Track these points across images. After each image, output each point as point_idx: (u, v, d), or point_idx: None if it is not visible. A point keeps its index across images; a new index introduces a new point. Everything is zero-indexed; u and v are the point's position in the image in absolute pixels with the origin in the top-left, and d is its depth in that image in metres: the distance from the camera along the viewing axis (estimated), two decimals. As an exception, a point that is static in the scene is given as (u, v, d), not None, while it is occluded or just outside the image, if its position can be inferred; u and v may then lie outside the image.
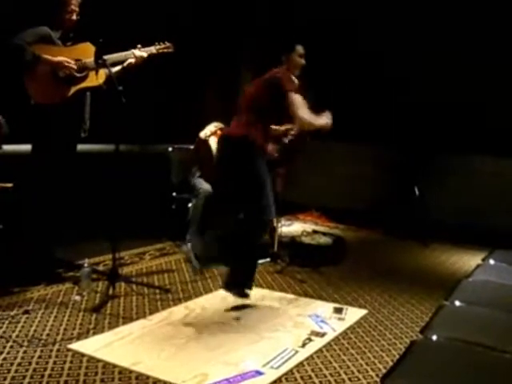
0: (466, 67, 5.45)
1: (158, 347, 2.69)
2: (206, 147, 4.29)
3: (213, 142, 4.27)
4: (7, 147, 3.79)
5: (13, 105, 3.39)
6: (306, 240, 4.60)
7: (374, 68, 5.82)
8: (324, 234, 4.92)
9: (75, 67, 3.44)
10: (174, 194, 4.70)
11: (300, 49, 3.47)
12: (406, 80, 5.60)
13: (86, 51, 3.48)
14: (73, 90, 3.47)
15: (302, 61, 3.47)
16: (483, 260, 3.45)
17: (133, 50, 3.64)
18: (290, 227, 5.45)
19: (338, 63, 5.86)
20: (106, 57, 3.40)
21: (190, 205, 4.42)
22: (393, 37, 5.67)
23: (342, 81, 5.85)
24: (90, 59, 3.46)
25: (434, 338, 1.98)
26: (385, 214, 5.78)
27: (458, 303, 2.40)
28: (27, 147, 3.63)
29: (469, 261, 4.65)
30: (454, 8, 5.46)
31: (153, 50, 3.69)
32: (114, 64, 3.61)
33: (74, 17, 3.51)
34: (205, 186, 4.37)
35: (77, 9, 3.52)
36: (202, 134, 4.38)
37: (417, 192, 5.56)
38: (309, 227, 5.49)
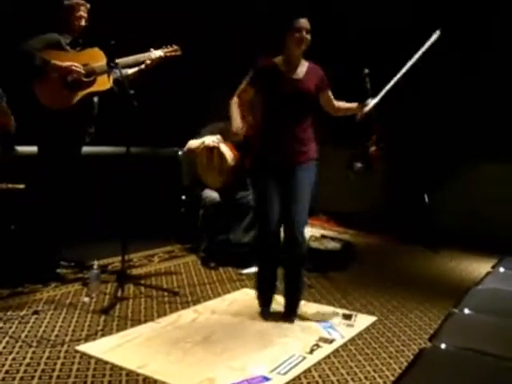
0: (479, 73, 5.42)
1: (166, 350, 2.69)
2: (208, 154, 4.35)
3: (225, 150, 4.29)
4: (20, 148, 3.83)
5: (22, 108, 3.42)
6: (314, 245, 4.56)
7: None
8: (332, 238, 4.89)
9: (83, 71, 3.47)
10: (183, 196, 4.71)
11: (296, 22, 3.08)
12: (417, 86, 5.57)
13: (94, 56, 3.52)
14: (80, 94, 3.49)
15: (297, 35, 3.06)
16: (493, 267, 3.42)
17: (148, 52, 3.67)
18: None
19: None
20: (118, 60, 3.43)
21: (200, 212, 4.41)
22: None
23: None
24: (97, 64, 3.49)
25: (443, 346, 1.96)
26: (394, 220, 5.75)
27: (467, 311, 2.38)
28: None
29: (478, 268, 4.62)
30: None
31: (161, 53, 3.71)
32: (127, 67, 3.64)
33: (83, 23, 3.55)
34: (210, 194, 4.30)
35: (85, 15, 3.56)
36: (197, 144, 4.42)
37: (426, 198, 5.53)
38: (317, 232, 5.46)
